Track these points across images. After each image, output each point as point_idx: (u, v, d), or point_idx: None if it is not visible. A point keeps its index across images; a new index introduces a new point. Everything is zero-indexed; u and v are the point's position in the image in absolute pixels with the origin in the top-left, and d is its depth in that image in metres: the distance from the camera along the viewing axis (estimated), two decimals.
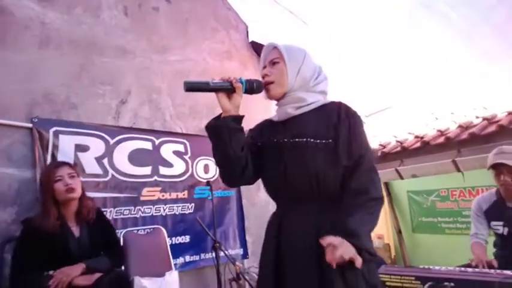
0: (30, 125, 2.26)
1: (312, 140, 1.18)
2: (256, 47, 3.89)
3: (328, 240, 1.03)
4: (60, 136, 2.35)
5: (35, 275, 1.77)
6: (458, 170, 2.99)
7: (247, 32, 3.91)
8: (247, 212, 3.44)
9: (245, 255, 3.31)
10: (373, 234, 4.73)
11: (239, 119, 1.19)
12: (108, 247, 2.04)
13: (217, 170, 1.31)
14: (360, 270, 1.05)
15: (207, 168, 3.18)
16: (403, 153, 3.44)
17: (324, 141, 1.18)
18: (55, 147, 2.32)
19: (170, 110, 3.05)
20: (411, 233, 4.87)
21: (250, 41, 3.89)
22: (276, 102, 1.32)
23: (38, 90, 2.35)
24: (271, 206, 3.02)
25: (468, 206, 3.45)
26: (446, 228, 4.49)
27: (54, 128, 2.34)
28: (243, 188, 3.42)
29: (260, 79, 1.27)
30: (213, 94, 1.20)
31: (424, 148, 3.26)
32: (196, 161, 3.12)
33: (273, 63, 1.27)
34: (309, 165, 1.17)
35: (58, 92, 2.43)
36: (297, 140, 1.20)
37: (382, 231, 5.44)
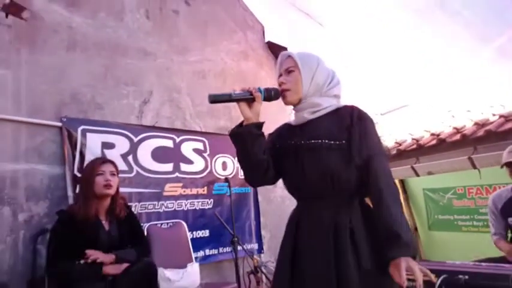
0: (59, 124, 2.40)
1: (326, 141, 1.26)
2: (272, 47, 3.97)
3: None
4: (88, 134, 2.48)
5: (69, 263, 1.88)
6: (475, 167, 3.00)
7: (263, 32, 3.99)
8: (263, 209, 3.53)
9: (260, 250, 3.40)
10: None
11: (260, 125, 1.28)
12: (135, 240, 2.14)
13: (239, 169, 1.39)
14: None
15: (225, 166, 3.28)
16: (419, 151, 3.45)
17: (337, 142, 1.25)
18: (83, 145, 2.45)
19: (190, 109, 3.16)
20: (427, 230, 4.87)
21: (266, 41, 3.96)
22: (292, 107, 1.40)
23: (66, 91, 2.49)
24: (288, 203, 3.16)
25: (485, 204, 3.44)
26: (462, 226, 4.47)
27: (82, 127, 2.47)
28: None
29: (277, 86, 1.36)
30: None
31: (440, 145, 3.27)
32: (214, 159, 3.22)
33: (289, 71, 1.34)
34: (324, 164, 1.25)
35: (84, 93, 2.56)
36: (312, 141, 1.28)
37: None
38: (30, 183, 2.26)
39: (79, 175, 2.32)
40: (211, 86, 3.30)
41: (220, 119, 3.35)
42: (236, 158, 1.38)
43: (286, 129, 1.42)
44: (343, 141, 1.25)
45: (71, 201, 2.29)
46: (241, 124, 1.29)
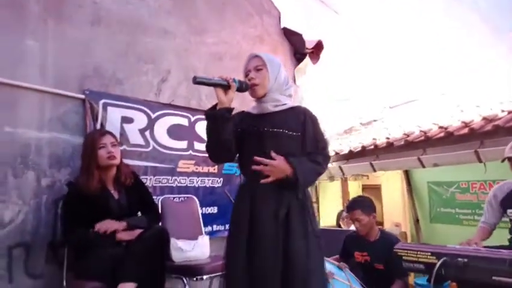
0: (82, 96, 2.49)
1: (286, 131, 1.59)
2: (287, 33, 4.01)
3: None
4: (108, 108, 2.58)
5: (83, 232, 1.98)
6: (480, 161, 3.07)
7: (279, 18, 4.03)
8: None
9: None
10: (390, 222, 4.87)
11: (231, 110, 1.53)
12: (144, 207, 2.26)
13: (206, 149, 1.68)
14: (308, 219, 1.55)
15: None
16: (426, 143, 3.52)
17: (295, 133, 1.60)
18: (104, 118, 2.55)
19: (205, 89, 3.22)
20: (429, 222, 4.97)
21: (282, 27, 4.01)
22: (255, 99, 1.68)
23: (89, 65, 2.57)
24: None
25: None
26: (464, 220, 4.57)
27: (103, 101, 2.57)
28: None
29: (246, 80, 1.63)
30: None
31: (448, 138, 3.34)
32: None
33: (257, 69, 1.62)
34: (283, 149, 1.56)
35: (106, 68, 2.65)
36: (275, 130, 1.59)
37: (400, 220, 5.56)
38: (54, 151, 2.37)
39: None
40: (227, 68, 3.37)
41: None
42: (206, 140, 1.63)
43: (247, 116, 1.69)
44: (299, 133, 1.60)
45: None
46: (214, 107, 1.54)
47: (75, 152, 2.44)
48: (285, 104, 1.65)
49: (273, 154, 1.52)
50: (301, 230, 1.53)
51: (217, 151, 1.61)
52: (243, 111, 1.75)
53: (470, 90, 4.71)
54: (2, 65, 2.22)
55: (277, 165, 1.51)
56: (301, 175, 1.52)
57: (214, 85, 1.52)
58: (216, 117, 1.51)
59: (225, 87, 1.52)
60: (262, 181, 1.51)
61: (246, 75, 1.65)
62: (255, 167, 1.51)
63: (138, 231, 1.99)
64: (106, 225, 1.96)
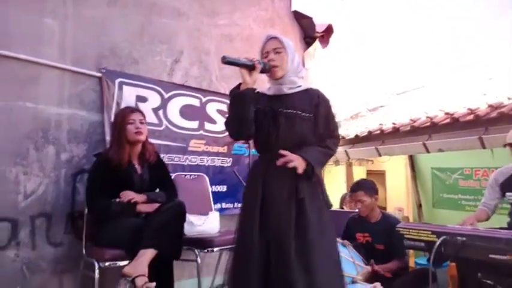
0: (99, 75, 2.58)
1: (300, 112, 1.64)
2: (298, 17, 4.04)
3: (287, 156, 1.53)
4: (124, 87, 2.67)
5: (106, 201, 2.11)
6: (484, 147, 3.14)
7: (290, 1, 4.05)
8: None
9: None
10: (393, 207, 4.96)
11: (254, 90, 1.60)
12: (163, 184, 2.37)
13: (225, 125, 1.73)
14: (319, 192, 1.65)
15: None
16: (431, 128, 3.58)
17: (308, 114, 1.65)
18: (119, 96, 2.64)
19: (216, 71, 3.31)
20: (431, 208, 5.06)
21: (292, 10, 4.03)
22: (272, 80, 1.71)
23: (105, 44, 2.65)
24: None
25: None
26: (466, 206, 4.65)
27: (119, 79, 2.65)
28: None
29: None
30: None
31: (453, 124, 3.39)
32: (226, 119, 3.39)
33: (276, 51, 1.66)
34: (297, 130, 1.63)
35: (122, 47, 2.72)
36: (289, 111, 1.64)
37: (402, 205, 5.66)
38: (72, 127, 2.47)
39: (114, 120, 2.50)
40: (238, 50, 3.43)
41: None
42: (229, 118, 1.67)
43: (263, 97, 1.72)
44: (312, 115, 1.66)
45: (108, 145, 2.50)
46: (238, 86, 1.59)
47: (91, 128, 2.55)
48: (299, 86, 1.70)
49: (283, 152, 1.55)
50: (313, 203, 1.60)
51: (239, 129, 1.65)
52: (258, 92, 1.75)
53: (477, 78, 4.73)
54: (23, 43, 2.31)
55: (296, 159, 1.55)
56: (315, 163, 1.59)
57: (241, 66, 1.56)
58: (242, 96, 1.56)
59: (251, 68, 1.56)
60: (279, 163, 1.54)
61: (265, 57, 1.67)
62: (280, 162, 1.53)
63: (156, 205, 2.10)
64: (129, 195, 2.08)
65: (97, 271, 1.99)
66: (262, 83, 1.84)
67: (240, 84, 1.60)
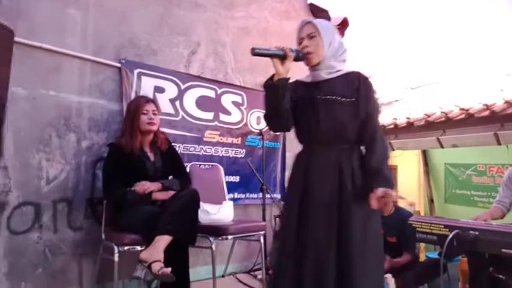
0: (118, 65, 2.63)
1: (339, 98, 1.56)
2: (314, 10, 4.03)
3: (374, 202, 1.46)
4: (142, 77, 2.73)
5: (122, 190, 2.17)
6: (499, 143, 3.13)
7: None
8: (290, 164, 3.74)
9: (282, 199, 3.67)
10: (405, 202, 4.96)
11: (288, 80, 1.53)
12: (176, 172, 2.43)
13: (264, 119, 1.66)
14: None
15: (259, 120, 3.49)
16: (446, 124, 3.57)
17: (348, 99, 1.56)
18: (138, 86, 2.70)
19: (232, 63, 3.35)
20: (443, 203, 5.05)
21: (308, 2, 4.03)
22: (309, 67, 1.65)
23: (125, 35, 2.70)
24: None
25: None
26: (479, 202, 4.63)
27: (138, 70, 2.71)
28: (288, 142, 3.74)
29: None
30: None
31: (468, 120, 3.38)
32: (250, 112, 3.43)
33: (311, 37, 1.59)
34: (337, 116, 1.56)
35: (141, 38, 2.77)
36: (328, 97, 1.57)
37: (414, 199, 5.65)
38: (92, 116, 2.54)
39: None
40: (254, 43, 3.40)
41: (258, 75, 3.52)
42: (265, 110, 1.61)
43: (301, 85, 1.68)
44: (353, 99, 1.56)
45: None
46: (272, 77, 1.53)
47: (111, 117, 2.61)
48: (339, 71, 1.61)
49: (372, 200, 1.46)
50: (358, 203, 1.51)
51: (276, 120, 1.60)
52: (296, 81, 1.71)
53: (494, 74, 4.67)
54: (46, 32, 2.37)
55: (380, 202, 1.47)
56: (389, 178, 1.51)
57: (272, 56, 1.50)
58: (275, 88, 1.50)
59: (283, 57, 1.49)
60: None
61: (299, 43, 1.62)
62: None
63: (171, 192, 2.16)
64: (144, 186, 2.14)
65: (116, 255, 2.07)
66: (301, 72, 1.75)
67: (273, 75, 1.53)
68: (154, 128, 2.32)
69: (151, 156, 2.34)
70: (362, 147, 1.63)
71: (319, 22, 1.61)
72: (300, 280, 1.48)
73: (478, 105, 3.53)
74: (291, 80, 1.60)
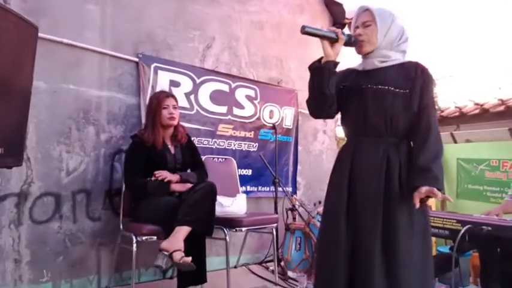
0: (136, 60, 2.69)
1: (392, 88, 1.47)
2: (328, 3, 4.02)
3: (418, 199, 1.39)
4: (159, 72, 2.78)
5: (142, 180, 2.26)
6: None
7: None
8: (301, 158, 3.79)
9: (294, 193, 3.70)
10: None
11: (336, 64, 1.48)
12: (194, 164, 2.50)
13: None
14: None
15: (272, 114, 3.52)
16: (460, 118, 3.56)
17: (402, 90, 1.47)
18: (154, 80, 2.75)
19: (245, 58, 3.37)
20: (455, 198, 5.02)
21: None
22: (361, 55, 1.58)
23: (142, 30, 2.75)
24: (324, 157, 3.53)
25: None
26: (491, 197, 4.59)
27: (154, 64, 2.76)
28: (300, 136, 3.77)
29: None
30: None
31: (483, 115, 3.37)
32: (263, 107, 3.46)
33: (366, 25, 1.51)
34: (387, 108, 1.47)
35: (158, 33, 2.82)
36: (379, 87, 1.48)
37: None
38: (111, 109, 2.60)
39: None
40: (267, 37, 3.48)
41: (272, 70, 3.54)
42: (309, 94, 1.56)
43: (351, 73, 1.61)
44: (407, 90, 1.47)
45: (143, 127, 2.63)
46: (319, 60, 1.47)
47: (128, 110, 2.67)
48: (394, 60, 1.52)
49: (416, 199, 1.39)
50: (403, 193, 1.44)
51: (319, 106, 1.54)
52: (347, 69, 1.64)
53: (509, 69, 4.61)
54: (67, 27, 2.43)
55: (422, 197, 1.39)
56: (438, 177, 1.41)
57: (322, 37, 1.45)
58: (322, 70, 1.45)
59: (333, 40, 1.44)
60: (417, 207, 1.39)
61: (354, 31, 1.54)
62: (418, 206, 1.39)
63: (189, 185, 2.23)
64: (164, 174, 2.22)
65: (135, 244, 2.14)
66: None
67: (321, 58, 1.47)
68: (175, 122, 2.39)
69: (172, 149, 2.41)
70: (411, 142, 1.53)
71: (378, 10, 1.52)
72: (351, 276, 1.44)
73: (493, 100, 3.50)
74: (341, 68, 1.55)
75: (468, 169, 4.87)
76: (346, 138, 1.68)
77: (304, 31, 1.42)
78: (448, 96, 4.60)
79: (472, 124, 3.42)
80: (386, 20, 1.51)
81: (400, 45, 1.54)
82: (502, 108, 3.21)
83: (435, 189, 1.38)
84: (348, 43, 1.49)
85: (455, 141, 3.58)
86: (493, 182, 4.55)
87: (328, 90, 1.47)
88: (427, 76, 1.50)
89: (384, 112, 1.47)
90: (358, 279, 1.43)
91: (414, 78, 1.48)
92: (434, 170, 1.40)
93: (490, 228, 1.98)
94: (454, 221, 2.13)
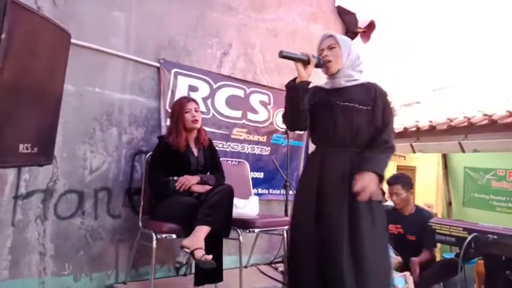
0: (157, 65, 2.80)
1: (357, 105, 1.71)
2: (341, 12, 4.12)
3: (358, 186, 1.58)
4: (179, 77, 2.89)
5: (164, 179, 2.37)
6: None
7: None
8: None
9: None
10: (422, 203, 5.03)
11: (309, 84, 1.70)
12: (214, 168, 2.61)
13: (283, 117, 1.86)
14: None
15: None
16: (468, 128, 3.63)
17: (365, 107, 1.71)
18: (174, 85, 2.87)
19: (261, 64, 3.48)
20: (461, 206, 5.11)
21: (336, 5, 4.11)
22: (328, 75, 1.82)
23: (164, 37, 2.87)
24: None
25: None
26: (497, 206, 4.68)
27: (175, 70, 2.87)
28: (310, 141, 3.86)
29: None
30: None
31: (491, 126, 3.43)
32: (276, 112, 3.56)
33: (331, 48, 1.76)
34: (353, 122, 1.70)
35: (178, 40, 2.94)
36: (346, 103, 1.72)
37: (432, 201, 5.71)
38: (132, 112, 2.72)
39: (169, 110, 2.75)
40: (282, 45, 3.57)
41: (285, 76, 3.63)
42: (285, 109, 1.80)
43: (320, 91, 1.83)
44: (369, 107, 1.72)
45: (163, 130, 2.75)
46: (294, 80, 1.69)
47: (149, 113, 2.79)
48: (356, 80, 1.77)
49: (357, 183, 1.59)
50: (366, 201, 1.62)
51: (294, 120, 1.76)
52: (315, 86, 1.86)
53: None
54: (93, 33, 2.55)
55: (367, 184, 1.58)
56: (382, 171, 1.65)
57: (296, 60, 1.66)
58: (297, 89, 1.66)
59: (306, 62, 1.66)
60: (358, 199, 1.59)
61: (320, 54, 1.78)
62: (356, 189, 1.58)
63: (208, 187, 2.34)
64: (185, 182, 2.32)
65: (154, 241, 2.24)
66: (319, 80, 1.93)
67: (296, 78, 1.69)
68: (198, 125, 2.50)
69: (196, 152, 2.53)
70: None
71: (339, 36, 1.80)
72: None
73: (502, 111, 3.57)
74: (311, 85, 1.75)
75: (475, 178, 4.96)
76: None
77: (282, 55, 1.63)
78: (455, 106, 4.67)
79: (480, 134, 3.49)
80: (347, 43, 1.79)
81: (358, 66, 1.81)
82: (510, 119, 3.28)
83: (375, 175, 1.60)
84: (318, 65, 1.72)
85: (463, 151, 3.66)
86: (499, 191, 4.63)
87: (302, 106, 1.69)
88: (385, 95, 1.77)
89: (351, 126, 1.70)
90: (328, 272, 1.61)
91: (375, 98, 1.73)
92: (379, 159, 1.66)
93: (495, 236, 2.07)
94: (461, 228, 2.22)
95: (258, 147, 3.47)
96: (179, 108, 2.45)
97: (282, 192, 3.41)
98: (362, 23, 4.08)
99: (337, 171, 1.69)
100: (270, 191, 3.57)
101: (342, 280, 1.55)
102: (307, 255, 1.67)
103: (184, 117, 2.43)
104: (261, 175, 3.50)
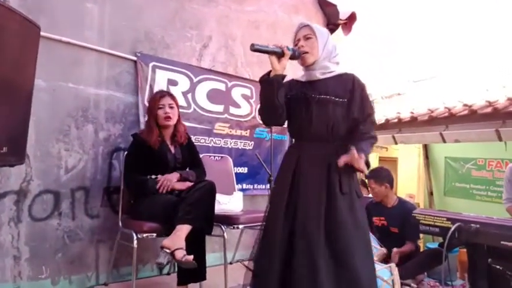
0: (134, 58, 2.70)
1: (333, 98, 1.66)
2: (322, 4, 4.08)
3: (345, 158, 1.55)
4: (157, 70, 2.80)
5: (140, 178, 2.29)
6: (500, 140, 3.23)
7: None
8: None
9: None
10: (404, 193, 5.12)
11: (284, 77, 1.63)
12: (194, 164, 2.53)
13: (259, 113, 1.78)
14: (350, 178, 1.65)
15: None
16: (449, 119, 3.67)
17: (341, 100, 1.67)
18: (152, 79, 2.77)
19: (242, 57, 3.41)
20: (442, 196, 5.19)
21: None
22: (304, 67, 1.75)
23: (141, 29, 2.77)
24: None
25: (503, 177, 3.70)
26: (477, 195, 4.77)
27: (153, 63, 2.78)
28: None
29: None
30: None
31: (471, 116, 3.48)
32: (259, 105, 3.51)
33: (307, 38, 1.69)
34: (329, 115, 1.65)
35: (156, 33, 2.84)
36: (322, 96, 1.67)
37: (414, 191, 5.79)
38: (109, 107, 2.62)
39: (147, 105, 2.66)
40: (263, 36, 3.51)
41: (267, 69, 3.56)
42: (260, 104, 1.74)
43: (296, 84, 1.78)
44: (345, 100, 1.67)
45: (142, 126, 2.65)
46: (269, 73, 1.62)
47: (127, 109, 2.69)
48: (332, 72, 1.71)
49: (343, 158, 1.56)
50: (344, 192, 1.61)
51: (270, 115, 1.69)
52: (292, 79, 1.81)
53: (496, 70, 4.75)
54: (65, 26, 2.43)
55: (353, 158, 1.54)
56: (366, 155, 1.59)
57: (270, 52, 1.58)
58: (271, 82, 1.59)
59: (279, 54, 1.58)
60: (340, 167, 1.57)
61: (296, 44, 1.71)
62: (342, 162, 1.56)
63: (188, 183, 2.27)
64: (166, 183, 2.24)
65: (135, 241, 2.17)
66: (296, 71, 1.87)
67: (270, 71, 1.62)
68: (171, 122, 2.39)
69: (172, 149, 2.43)
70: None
71: (315, 25, 1.73)
72: (290, 272, 1.53)
73: (481, 102, 3.62)
74: (286, 79, 1.69)
75: (455, 167, 5.04)
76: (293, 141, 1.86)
77: (254, 48, 1.55)
78: (436, 97, 4.72)
79: (461, 124, 3.53)
80: (323, 34, 1.73)
81: (335, 57, 1.74)
82: (489, 109, 3.32)
83: (362, 156, 1.54)
84: (293, 57, 1.64)
85: (444, 141, 3.69)
86: (479, 180, 4.72)
87: (277, 101, 1.61)
88: (363, 87, 1.72)
89: (327, 119, 1.66)
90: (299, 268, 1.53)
91: (352, 90, 1.68)
92: (361, 144, 1.60)
93: (478, 226, 2.08)
94: (445, 218, 2.23)
95: (241, 142, 3.42)
96: (153, 104, 2.36)
97: (266, 187, 3.37)
98: (343, 14, 4.06)
99: (314, 164, 1.65)
100: (255, 186, 3.53)
101: (315, 277, 1.47)
102: (273, 247, 1.61)
103: (157, 113, 2.34)
104: (245, 170, 3.45)
